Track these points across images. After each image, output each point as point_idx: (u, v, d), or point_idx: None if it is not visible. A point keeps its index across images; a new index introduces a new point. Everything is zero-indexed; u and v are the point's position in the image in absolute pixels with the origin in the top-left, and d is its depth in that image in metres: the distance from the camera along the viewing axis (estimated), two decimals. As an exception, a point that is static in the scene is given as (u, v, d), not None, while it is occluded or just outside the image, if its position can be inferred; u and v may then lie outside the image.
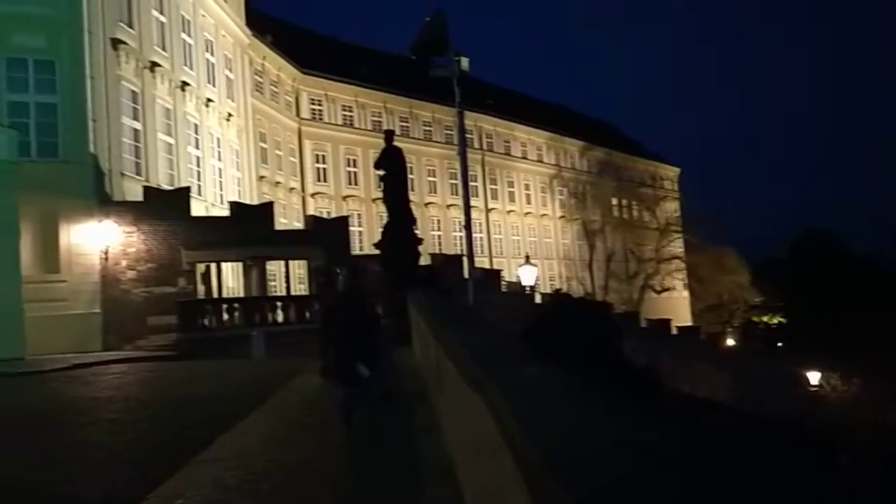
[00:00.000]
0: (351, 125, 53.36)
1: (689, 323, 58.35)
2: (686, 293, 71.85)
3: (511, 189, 65.58)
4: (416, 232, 20.32)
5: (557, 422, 2.70)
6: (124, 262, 26.31)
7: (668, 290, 67.04)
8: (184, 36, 33.58)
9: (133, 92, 29.04)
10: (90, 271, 25.65)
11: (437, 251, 48.50)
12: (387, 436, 8.71)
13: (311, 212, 46.17)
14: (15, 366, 19.62)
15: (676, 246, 69.09)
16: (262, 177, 42.62)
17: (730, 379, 35.15)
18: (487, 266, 50.59)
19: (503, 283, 44.45)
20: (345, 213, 44.43)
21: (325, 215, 44.18)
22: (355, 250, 38.11)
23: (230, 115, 37.82)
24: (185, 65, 33.44)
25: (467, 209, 15.86)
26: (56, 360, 20.52)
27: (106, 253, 25.81)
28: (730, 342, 55.34)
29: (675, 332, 44.35)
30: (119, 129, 27.70)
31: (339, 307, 8.59)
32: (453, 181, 56.29)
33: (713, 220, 61.84)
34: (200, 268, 29.06)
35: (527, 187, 67.35)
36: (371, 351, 8.39)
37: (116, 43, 27.82)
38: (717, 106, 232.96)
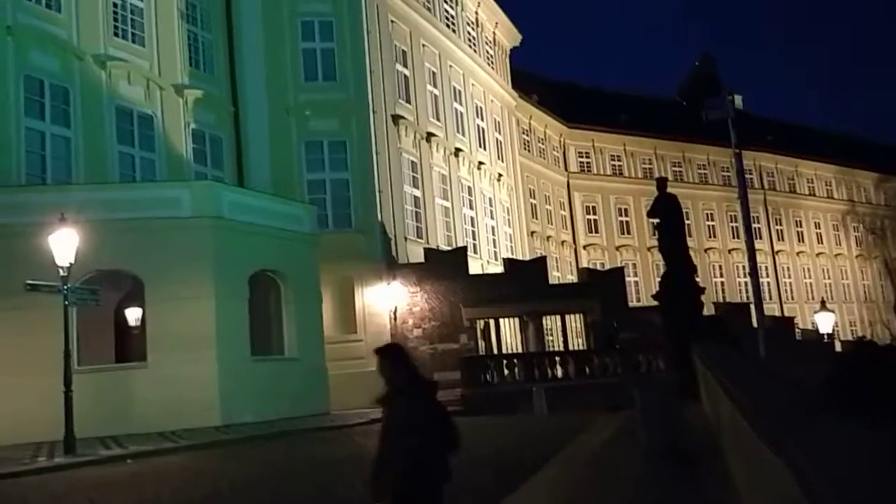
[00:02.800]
0: (620, 174, 53.01)
1: None
2: None
3: (799, 229, 61.16)
4: (697, 280, 19.51)
5: (868, 484, 2.44)
6: (411, 321, 27.96)
7: None
8: (456, 105, 35.59)
9: (412, 162, 31.19)
10: (382, 330, 27.52)
11: (720, 300, 46.27)
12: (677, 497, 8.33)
13: (583, 264, 46.23)
14: (322, 420, 21.46)
15: None
16: (532, 232, 43.52)
17: None
18: (777, 313, 47.34)
19: (797, 330, 41.37)
20: (619, 264, 44.01)
21: (598, 267, 44.01)
22: (632, 301, 37.45)
23: (500, 175, 39.23)
24: (458, 132, 35.34)
25: (752, 254, 15.03)
26: (357, 415, 22.13)
27: (395, 312, 27.61)
28: None
29: None
30: (402, 197, 29.82)
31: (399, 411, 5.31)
32: (734, 224, 53.67)
33: None
34: (480, 324, 30.07)
35: (817, 226, 62.46)
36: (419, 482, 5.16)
37: (397, 119, 30.14)
38: None
